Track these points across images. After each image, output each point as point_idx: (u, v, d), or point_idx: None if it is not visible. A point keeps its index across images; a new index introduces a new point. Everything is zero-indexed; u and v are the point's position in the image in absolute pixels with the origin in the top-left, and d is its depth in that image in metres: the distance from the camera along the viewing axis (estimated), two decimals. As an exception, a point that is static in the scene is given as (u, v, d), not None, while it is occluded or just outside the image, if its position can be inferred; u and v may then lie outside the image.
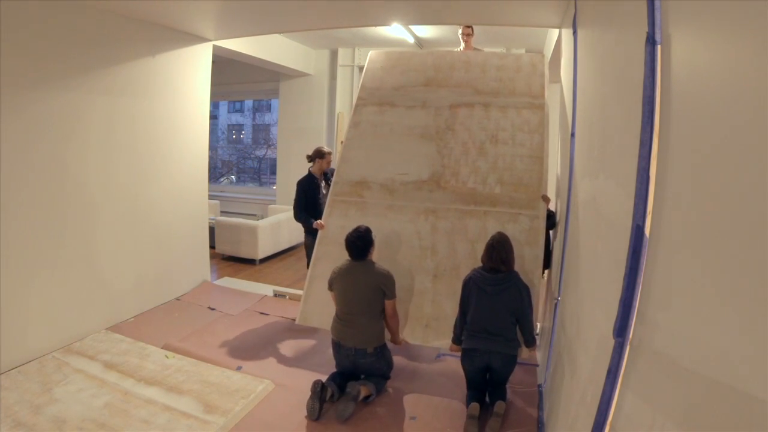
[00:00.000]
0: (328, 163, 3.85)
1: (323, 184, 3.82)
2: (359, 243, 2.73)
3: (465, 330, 2.57)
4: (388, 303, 2.74)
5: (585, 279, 1.78)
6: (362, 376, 2.76)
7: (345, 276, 2.74)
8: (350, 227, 3.03)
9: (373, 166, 3.52)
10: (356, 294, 2.70)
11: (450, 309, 2.96)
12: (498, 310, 2.49)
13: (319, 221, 3.46)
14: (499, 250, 2.54)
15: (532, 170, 3.24)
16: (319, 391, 2.56)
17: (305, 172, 3.84)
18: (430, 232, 3.22)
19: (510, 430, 2.47)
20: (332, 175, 3.69)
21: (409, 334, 3.01)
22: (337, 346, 2.75)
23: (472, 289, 2.56)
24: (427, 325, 3.01)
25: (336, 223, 3.41)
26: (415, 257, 3.18)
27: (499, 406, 2.46)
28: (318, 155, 3.79)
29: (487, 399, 2.60)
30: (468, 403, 2.51)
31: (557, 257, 2.86)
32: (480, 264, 2.65)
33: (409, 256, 3.18)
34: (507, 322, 2.49)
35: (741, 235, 0.67)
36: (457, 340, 2.66)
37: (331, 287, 2.78)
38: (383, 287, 2.70)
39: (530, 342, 2.59)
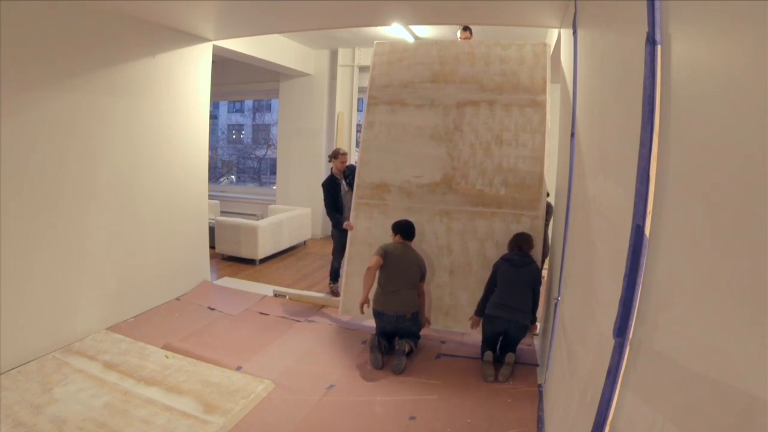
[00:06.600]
0: (342, 162, 4.16)
1: (344, 183, 4.15)
2: (412, 227, 3.40)
3: (490, 302, 3.10)
4: (420, 284, 3.32)
5: (585, 279, 1.78)
6: (396, 339, 3.22)
7: (398, 254, 3.27)
8: (376, 228, 3.69)
9: (390, 168, 3.75)
10: (405, 270, 3.24)
11: (465, 300, 3.46)
12: (520, 283, 3.05)
13: (348, 222, 3.81)
14: (524, 236, 3.25)
15: (533, 171, 3.46)
16: (377, 344, 3.16)
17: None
18: (445, 233, 3.57)
19: (510, 430, 2.47)
20: (351, 173, 4.02)
21: (433, 321, 3.51)
22: (380, 315, 3.23)
23: (500, 266, 3.15)
24: (447, 313, 3.52)
25: (363, 224, 3.76)
26: (434, 255, 3.57)
27: (509, 356, 3.02)
28: (332, 155, 4.20)
29: (498, 353, 3.12)
30: (482, 353, 3.07)
31: (557, 257, 2.87)
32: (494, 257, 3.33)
33: (429, 253, 3.55)
34: (526, 296, 3.05)
35: (741, 234, 0.68)
36: (479, 312, 3.19)
37: (384, 258, 3.23)
38: (423, 269, 3.31)
39: (533, 319, 3.13)
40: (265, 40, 5.50)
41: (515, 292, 3.03)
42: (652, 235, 1.00)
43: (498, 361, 3.07)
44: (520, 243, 3.20)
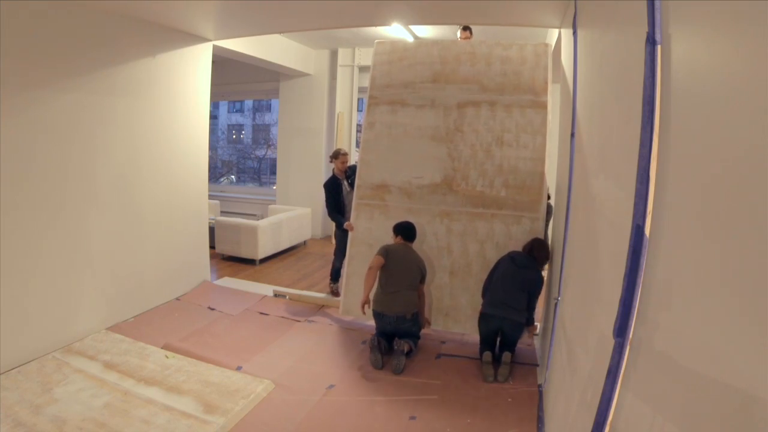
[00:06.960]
0: (343, 163, 4.19)
1: (346, 183, 4.18)
2: (414, 229, 3.40)
3: (485, 300, 3.13)
4: (420, 286, 3.32)
5: (585, 279, 1.78)
6: (395, 339, 3.21)
7: (399, 255, 3.28)
8: (376, 229, 3.69)
9: (390, 169, 3.74)
10: (406, 271, 3.24)
11: (465, 301, 3.47)
12: (516, 283, 3.03)
13: (348, 223, 3.84)
14: (541, 244, 3.17)
15: (534, 173, 3.45)
16: (377, 345, 3.16)
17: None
18: (446, 234, 3.57)
19: (510, 430, 2.47)
20: (353, 173, 4.02)
21: (433, 322, 3.53)
22: (380, 316, 3.23)
23: (503, 260, 3.16)
24: (447, 314, 3.53)
25: (363, 225, 3.76)
26: (434, 256, 3.57)
27: (506, 356, 3.02)
28: (333, 156, 4.25)
29: (497, 353, 3.12)
30: (481, 353, 3.07)
31: (557, 257, 2.87)
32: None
33: (429, 254, 3.55)
34: (520, 296, 3.03)
35: (741, 234, 0.67)
36: None
37: (385, 258, 3.24)
38: (423, 271, 3.32)
39: (530, 321, 3.14)
40: (265, 40, 5.50)
41: (510, 290, 3.03)
42: (652, 235, 1.00)
43: (497, 361, 3.07)
44: (535, 247, 3.13)
